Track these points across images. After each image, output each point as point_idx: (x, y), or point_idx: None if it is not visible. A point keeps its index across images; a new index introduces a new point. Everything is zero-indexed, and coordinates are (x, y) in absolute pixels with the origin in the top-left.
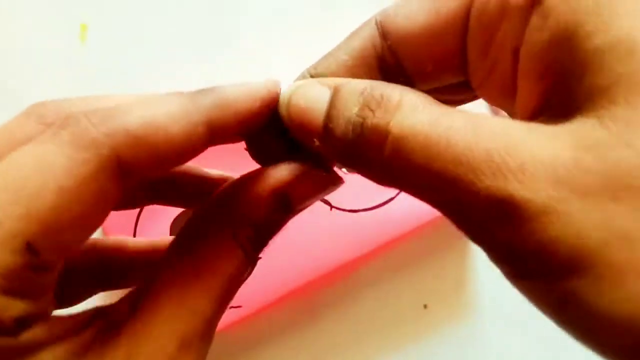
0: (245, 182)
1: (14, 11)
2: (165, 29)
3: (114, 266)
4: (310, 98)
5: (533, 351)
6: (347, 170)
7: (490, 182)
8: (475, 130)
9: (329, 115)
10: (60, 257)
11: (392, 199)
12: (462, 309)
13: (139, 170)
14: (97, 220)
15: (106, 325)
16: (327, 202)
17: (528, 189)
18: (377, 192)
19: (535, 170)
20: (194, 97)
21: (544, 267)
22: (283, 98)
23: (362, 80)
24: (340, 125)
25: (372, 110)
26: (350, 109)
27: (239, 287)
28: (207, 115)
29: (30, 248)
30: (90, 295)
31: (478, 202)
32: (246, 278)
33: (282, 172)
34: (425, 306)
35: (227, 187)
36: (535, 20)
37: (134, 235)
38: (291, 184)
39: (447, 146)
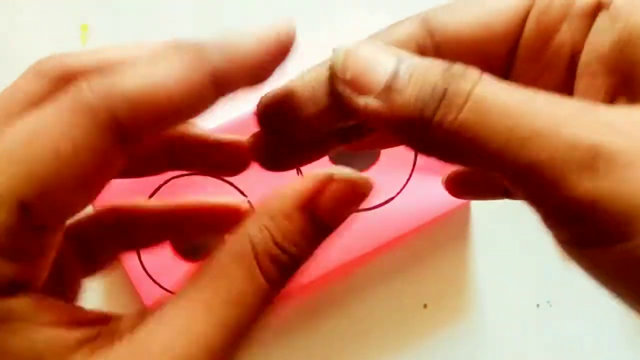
0: (268, 200)
1: (14, 12)
2: (165, 31)
3: (132, 225)
4: (376, 56)
5: (532, 351)
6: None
7: (577, 130)
8: (557, 100)
9: (396, 74)
10: (55, 220)
11: (392, 198)
12: (462, 309)
13: (141, 131)
14: (96, 183)
15: (102, 335)
16: None
17: (620, 139)
18: (377, 192)
19: (625, 124)
20: (197, 50)
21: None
22: (339, 51)
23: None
24: (416, 86)
25: (456, 80)
26: (432, 74)
27: (259, 317)
28: (212, 68)
29: (23, 207)
30: (111, 261)
31: (559, 149)
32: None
33: (302, 183)
34: (425, 306)
35: (251, 212)
36: (601, 22)
37: None
38: (316, 194)
39: (528, 105)
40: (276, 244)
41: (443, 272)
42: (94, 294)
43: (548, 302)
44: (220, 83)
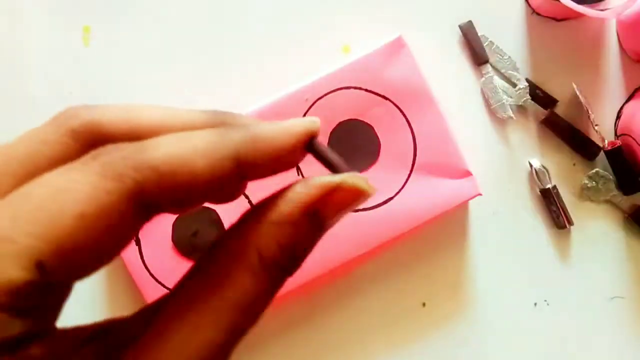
0: (272, 202)
1: (17, 14)
2: (166, 32)
3: None
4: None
5: (529, 349)
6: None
7: None
8: None
9: None
10: (70, 280)
11: (391, 198)
12: (460, 308)
13: (162, 204)
14: (114, 249)
15: (109, 345)
16: None
17: None
18: (377, 192)
19: None
20: (224, 133)
21: None
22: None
23: None
24: None
25: None
26: None
27: (261, 312)
28: (235, 151)
29: (40, 267)
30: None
31: None
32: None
33: (311, 189)
34: (423, 304)
35: (254, 207)
36: None
37: (137, 237)
38: (322, 200)
39: None
40: (283, 250)
41: (442, 271)
42: (98, 293)
43: (545, 301)
44: (241, 165)
